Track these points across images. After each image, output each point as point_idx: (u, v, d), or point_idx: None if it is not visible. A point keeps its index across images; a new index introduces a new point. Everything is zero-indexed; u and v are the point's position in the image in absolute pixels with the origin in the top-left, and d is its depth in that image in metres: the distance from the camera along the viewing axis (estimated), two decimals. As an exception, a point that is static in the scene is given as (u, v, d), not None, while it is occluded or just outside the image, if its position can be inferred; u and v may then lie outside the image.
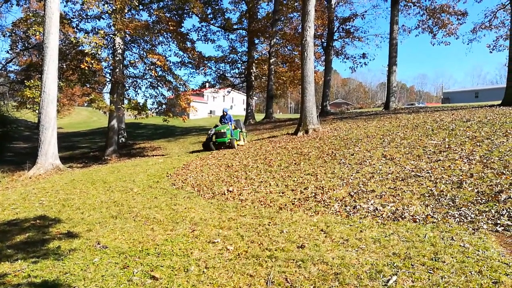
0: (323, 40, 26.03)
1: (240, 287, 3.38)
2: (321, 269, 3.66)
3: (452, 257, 3.73)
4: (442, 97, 59.17)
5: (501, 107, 14.43)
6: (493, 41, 19.03)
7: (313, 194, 6.90)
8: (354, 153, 9.69)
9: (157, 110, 22.16)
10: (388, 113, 18.47)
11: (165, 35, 22.08)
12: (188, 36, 24.24)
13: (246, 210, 6.31)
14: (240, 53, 32.53)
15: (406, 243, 4.23)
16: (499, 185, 5.97)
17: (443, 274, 3.36)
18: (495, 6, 18.57)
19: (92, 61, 16.59)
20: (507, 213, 5.00)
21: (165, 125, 27.33)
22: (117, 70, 18.72)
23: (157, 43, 21.97)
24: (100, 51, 16.99)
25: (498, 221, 4.82)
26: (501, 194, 5.63)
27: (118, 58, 18.81)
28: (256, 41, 30.84)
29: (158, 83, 21.05)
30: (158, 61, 18.73)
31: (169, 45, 23.21)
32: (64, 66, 19.64)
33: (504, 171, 6.54)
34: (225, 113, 15.46)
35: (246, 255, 4.19)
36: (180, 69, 25.27)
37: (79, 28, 20.26)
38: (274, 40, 28.26)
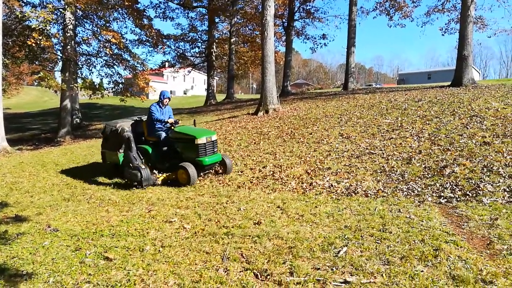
0: (284, 20, 25.92)
1: (196, 264, 3.40)
2: (276, 243, 3.74)
3: (399, 228, 3.94)
4: (397, 78, 61.31)
5: (451, 87, 15.17)
6: (445, 24, 19.95)
7: (271, 173, 6.99)
8: (312, 132, 9.87)
9: (113, 89, 21.30)
10: (346, 94, 18.89)
11: (120, 11, 21.03)
12: (145, 13, 23.22)
13: (204, 189, 6.30)
14: (200, 32, 31.74)
15: (357, 217, 4.41)
16: (444, 161, 6.33)
17: (389, 244, 3.55)
18: (448, -10, 19.26)
19: (40, 37, 15.51)
20: (450, 186, 5.33)
21: (123, 106, 26.44)
22: (69, 47, 17.66)
23: (111, 19, 20.92)
24: (49, 26, 15.91)
25: (442, 194, 5.13)
26: (445, 169, 5.98)
27: (69, 34, 17.71)
28: (217, 20, 30.18)
29: (114, 61, 20.14)
30: (113, 38, 17.85)
31: (125, 21, 22.17)
32: (10, 42, 18.27)
33: (449, 148, 6.93)
34: (165, 100, 7.48)
35: (203, 233, 4.20)
36: (137, 47, 24.37)
37: (25, 1, 18.84)
38: (235, 19, 27.80)
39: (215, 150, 7.08)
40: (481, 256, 3.23)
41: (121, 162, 7.20)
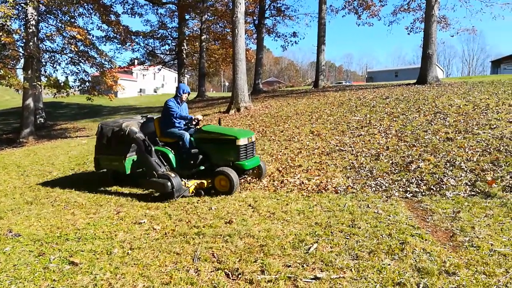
0: (255, 18, 25.93)
1: (166, 265, 3.34)
2: (247, 242, 3.73)
3: (367, 223, 4.03)
4: (366, 76, 62.73)
5: (416, 85, 15.67)
6: (411, 23, 20.43)
7: (243, 171, 6.98)
8: (284, 130, 9.94)
9: (79, 88, 20.59)
10: (317, 91, 19.13)
11: (86, 6, 20.36)
12: (112, 9, 22.61)
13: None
14: (170, 29, 31.21)
15: (328, 213, 4.47)
16: (410, 156, 6.53)
17: (358, 239, 3.62)
18: (413, -10, 19.83)
19: (1, 33, 14.80)
20: (416, 181, 5.50)
21: (91, 104, 25.54)
22: (31, 43, 16.90)
23: (77, 14, 20.17)
24: (10, 22, 15.19)
25: (408, 189, 5.29)
26: (411, 164, 6.17)
27: (31, 30, 16.95)
28: (187, 17, 29.78)
29: (80, 58, 19.44)
30: (79, 34, 17.24)
31: (91, 17, 21.50)
32: (-33, 38, 17.33)
33: (415, 144, 7.15)
34: (184, 95, 6.52)
35: (174, 233, 4.14)
36: (105, 44, 23.50)
37: (-17, -5, 17.90)
38: (206, 16, 27.52)
39: (254, 152, 6.28)
40: (445, 248, 3.35)
41: (128, 169, 6.21)
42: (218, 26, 30.12)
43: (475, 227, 3.75)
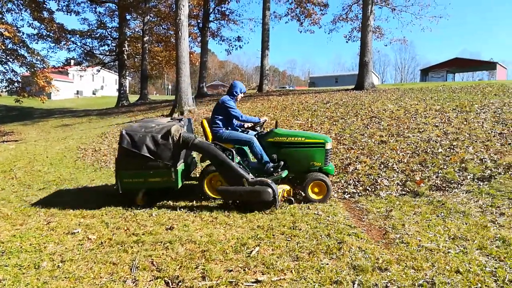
0: (199, 21, 25.72)
1: (101, 277, 3.16)
2: (189, 248, 3.66)
3: (307, 224, 4.14)
4: (309, 81, 64.84)
5: (354, 91, 16.48)
6: (349, 32, 21.52)
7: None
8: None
9: (7, 89, 19.03)
10: (261, 95, 19.38)
11: (16, 2, 18.95)
12: (45, 5, 21.24)
13: (113, 196, 5.92)
14: (110, 29, 29.95)
15: (270, 216, 4.53)
16: (348, 159, 6.83)
17: (299, 240, 3.70)
18: (351, 0, 20.90)
19: None
20: (353, 182, 5.76)
21: (20, 107, 23.74)
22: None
23: (5, 10, 18.71)
24: None
25: (346, 190, 5.53)
26: (349, 166, 6.45)
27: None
28: (128, 17, 28.77)
29: (8, 57, 18.02)
30: (7, 31, 15.98)
31: (21, 13, 20.03)
32: None
33: (353, 146, 7.49)
34: (240, 95, 5.79)
35: (110, 242, 3.94)
36: (37, 43, 21.89)
37: None
38: (148, 17, 26.78)
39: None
40: (378, 245, 3.53)
41: (181, 182, 5.17)
42: (161, 28, 29.50)
43: (405, 225, 4.00)
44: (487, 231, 3.72)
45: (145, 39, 26.97)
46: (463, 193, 5.05)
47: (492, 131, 7.30)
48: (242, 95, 5.79)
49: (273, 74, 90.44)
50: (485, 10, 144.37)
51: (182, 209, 4.98)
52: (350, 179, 5.92)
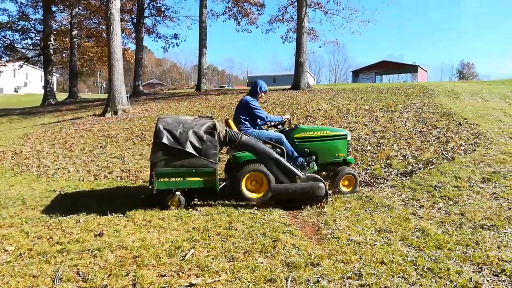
0: (133, 16, 24.72)
1: (18, 292, 2.89)
2: (119, 255, 3.48)
3: (243, 224, 4.14)
4: (247, 80, 65.40)
5: (291, 90, 16.92)
6: (285, 33, 22.05)
7: (119, 178, 6.54)
8: (164, 133, 9.64)
9: None
10: (199, 94, 19.15)
11: None
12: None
13: (34, 202, 5.47)
14: (33, 21, 27.63)
15: (206, 217, 4.46)
16: (284, 157, 6.97)
17: (235, 240, 3.69)
18: (286, 2, 21.41)
19: None
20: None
21: None
22: None
23: None
24: None
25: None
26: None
27: None
28: (54, 9, 26.73)
29: None
30: None
31: None
32: None
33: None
34: (261, 94, 5.88)
35: (31, 254, 3.61)
36: None
37: None
38: (77, 10, 25.16)
39: None
40: (311, 241, 3.64)
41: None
42: (92, 21, 27.86)
43: (337, 220, 4.18)
44: (408, 223, 4.00)
45: (73, 33, 25.29)
46: (388, 187, 5.40)
47: (413, 129, 7.90)
48: (264, 94, 5.86)
49: (212, 73, 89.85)
50: (405, 19, 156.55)
51: (113, 214, 4.73)
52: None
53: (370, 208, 4.58)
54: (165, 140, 4.58)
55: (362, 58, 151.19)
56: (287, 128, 5.81)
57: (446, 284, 2.78)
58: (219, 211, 4.63)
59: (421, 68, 51.67)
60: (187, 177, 4.70)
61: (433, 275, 2.90)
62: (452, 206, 4.41)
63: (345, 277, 2.90)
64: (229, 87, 40.93)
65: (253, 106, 5.44)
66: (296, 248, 3.44)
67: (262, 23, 27.51)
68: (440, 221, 4.03)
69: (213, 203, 4.98)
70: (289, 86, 18.33)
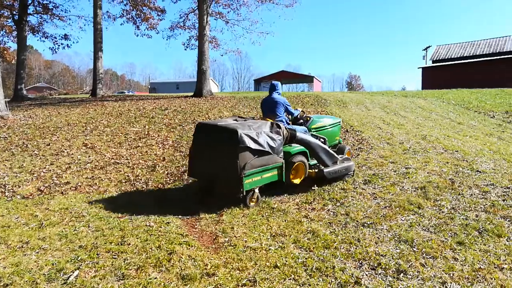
0: (14, 12, 21.97)
1: None
2: (-15, 285, 3.00)
3: (137, 238, 3.92)
4: (149, 87, 63.15)
5: (193, 98, 16.76)
6: (187, 40, 21.76)
7: (-9, 195, 5.69)
8: (50, 143, 8.72)
9: None
10: (94, 100, 17.81)
11: None
12: None
13: None
14: None
15: (96, 233, 4.12)
16: (184, 166, 6.85)
17: (127, 256, 3.46)
18: (187, 9, 21.24)
19: None
20: (188, 191, 5.78)
21: None
22: None
23: None
24: None
25: (180, 198, 5.49)
26: (185, 173, 6.47)
27: None
28: None
29: None
30: None
31: None
32: None
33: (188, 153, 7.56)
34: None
35: None
36: None
37: None
38: None
39: None
40: (208, 251, 3.60)
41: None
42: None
43: (234, 227, 4.21)
44: (301, 226, 4.22)
45: None
46: (285, 192, 5.64)
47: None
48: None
49: (111, 78, 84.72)
50: (303, 33, 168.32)
51: (-20, 237, 4.08)
52: (185, 186, 5.93)
53: (267, 214, 4.71)
54: (250, 145, 4.86)
55: (265, 67, 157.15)
56: (301, 121, 6.52)
57: (331, 281, 2.98)
58: (111, 226, 4.31)
59: (316, 78, 55.86)
60: (264, 174, 5.10)
61: (321, 274, 3.09)
62: (339, 207, 4.79)
63: (240, 284, 2.93)
64: (130, 93, 39.00)
65: (288, 104, 6.10)
66: (192, 259, 3.37)
67: (163, 29, 26.67)
68: (329, 222, 4.33)
69: (105, 216, 4.63)
70: (192, 93, 18.15)
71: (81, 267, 3.26)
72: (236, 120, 5.64)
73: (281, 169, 5.26)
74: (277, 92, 6.24)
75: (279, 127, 5.37)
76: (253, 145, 4.87)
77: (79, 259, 3.44)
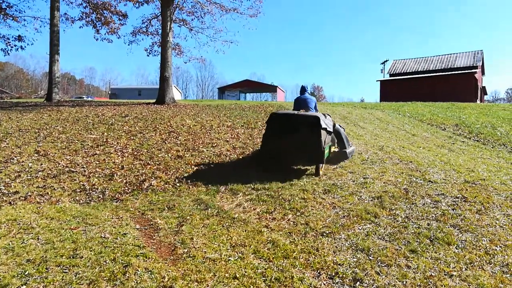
0: (-38, 10, 20.70)
1: None
2: None
3: (91, 250, 3.74)
4: (110, 92, 61.32)
5: (155, 105, 16.44)
6: (150, 46, 21.37)
7: None
8: (-1, 149, 8.21)
9: None
10: (50, 105, 17.00)
11: None
12: None
13: None
14: None
15: (46, 246, 3.89)
16: (144, 175, 6.67)
17: (78, 270, 3.30)
18: (150, 15, 20.88)
19: None
20: (148, 199, 5.62)
21: None
22: None
23: None
24: None
25: (143, 207, 5.33)
26: (144, 182, 6.31)
27: None
28: None
29: None
30: None
31: None
32: None
33: (149, 162, 7.38)
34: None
35: None
36: None
37: None
38: None
39: None
40: (166, 263, 3.51)
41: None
42: None
43: (194, 238, 4.13)
44: (261, 236, 4.22)
45: None
46: (246, 201, 5.63)
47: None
48: None
49: (68, 82, 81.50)
50: (268, 42, 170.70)
51: None
52: (147, 196, 5.77)
53: (227, 224, 4.67)
54: (328, 128, 6.85)
55: (230, 76, 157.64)
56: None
57: (290, 291, 2.99)
58: (63, 238, 4.10)
59: (280, 88, 56.67)
60: (328, 149, 6.87)
61: (280, 284, 3.09)
62: (299, 217, 4.84)
63: (196, 297, 2.86)
64: (89, 99, 37.66)
65: (316, 102, 7.86)
66: (149, 272, 3.27)
67: (125, 34, 25.89)
68: (289, 232, 4.36)
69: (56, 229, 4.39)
70: (154, 100, 17.81)
71: (28, 282, 3.07)
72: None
73: (330, 148, 7.27)
74: (308, 92, 8.13)
75: (330, 116, 7.48)
76: (328, 128, 6.77)
77: (26, 273, 3.23)
